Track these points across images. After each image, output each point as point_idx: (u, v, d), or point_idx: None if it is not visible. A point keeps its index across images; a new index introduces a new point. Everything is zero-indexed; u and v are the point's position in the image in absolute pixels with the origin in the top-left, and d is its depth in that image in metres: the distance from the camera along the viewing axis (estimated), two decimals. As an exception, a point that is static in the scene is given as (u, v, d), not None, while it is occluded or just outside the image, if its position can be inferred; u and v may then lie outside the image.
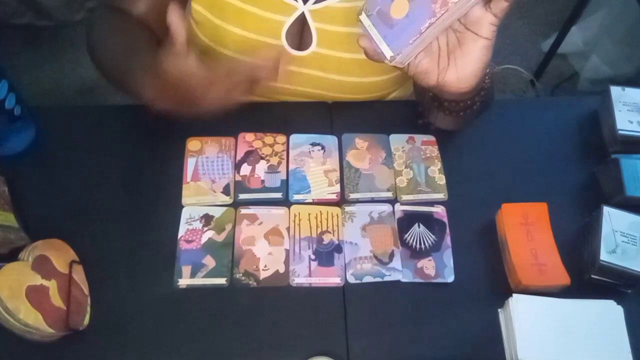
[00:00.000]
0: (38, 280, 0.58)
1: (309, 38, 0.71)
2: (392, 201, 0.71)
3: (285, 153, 0.74)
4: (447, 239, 0.69)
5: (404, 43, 0.53)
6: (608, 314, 0.60)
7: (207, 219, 0.68)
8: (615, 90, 0.77)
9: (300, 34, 0.71)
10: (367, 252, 0.67)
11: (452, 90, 0.57)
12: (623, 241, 0.64)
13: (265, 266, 0.65)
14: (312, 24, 0.70)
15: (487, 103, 0.69)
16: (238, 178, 0.72)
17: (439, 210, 0.71)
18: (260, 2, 0.69)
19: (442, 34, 0.55)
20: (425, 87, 0.59)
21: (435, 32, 0.53)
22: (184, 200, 0.69)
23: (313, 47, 0.71)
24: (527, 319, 0.59)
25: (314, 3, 0.69)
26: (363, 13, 0.56)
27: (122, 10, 0.73)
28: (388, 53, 0.54)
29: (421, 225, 0.69)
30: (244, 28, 0.70)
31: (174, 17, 0.52)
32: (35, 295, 0.56)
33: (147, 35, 0.71)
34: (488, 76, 0.64)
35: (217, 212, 0.69)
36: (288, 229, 0.68)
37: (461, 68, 0.55)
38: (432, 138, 0.76)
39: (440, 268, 0.66)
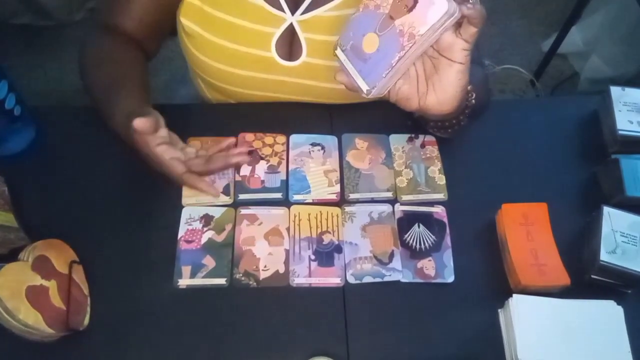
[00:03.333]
0: (38, 280, 0.58)
1: (299, 48, 0.71)
2: (392, 201, 0.71)
3: (285, 153, 0.74)
4: (447, 239, 0.68)
5: (377, 77, 0.54)
6: (608, 314, 0.60)
7: (207, 219, 0.68)
8: (615, 90, 0.77)
9: (289, 44, 0.71)
10: (367, 253, 0.67)
11: (435, 113, 0.58)
12: (623, 241, 0.64)
13: (265, 266, 0.65)
14: (301, 34, 0.70)
15: (476, 115, 0.70)
16: (238, 178, 0.72)
17: (439, 211, 0.71)
18: (249, 14, 0.69)
19: (419, 60, 0.56)
20: (409, 111, 0.60)
21: (407, 64, 0.54)
22: (184, 201, 0.69)
23: (303, 57, 0.71)
24: (527, 319, 0.59)
25: (302, 13, 0.69)
26: (338, 48, 0.57)
27: (113, 28, 0.73)
28: (364, 87, 0.55)
29: (421, 225, 0.69)
30: (234, 41, 0.70)
31: (138, 123, 0.55)
32: (35, 296, 0.56)
33: (134, 66, 0.72)
34: (472, 94, 0.65)
35: (217, 213, 0.69)
36: (288, 229, 0.68)
37: (440, 92, 0.56)
38: (432, 138, 0.76)
39: (440, 268, 0.66)
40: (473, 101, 0.66)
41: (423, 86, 0.57)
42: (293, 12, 0.69)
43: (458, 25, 0.52)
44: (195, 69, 0.77)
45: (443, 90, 0.55)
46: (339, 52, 0.57)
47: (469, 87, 0.61)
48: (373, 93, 0.55)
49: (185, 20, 0.71)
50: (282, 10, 0.69)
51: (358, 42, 0.55)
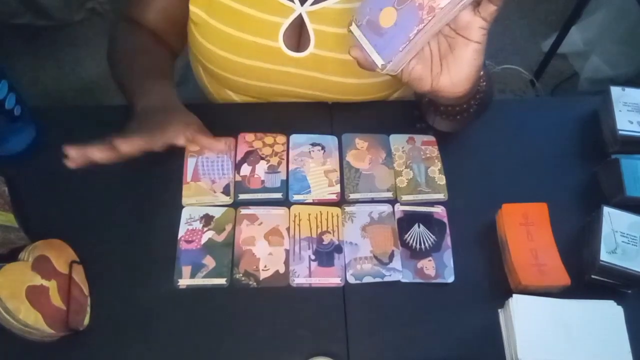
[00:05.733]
0: (38, 280, 0.58)
1: (307, 39, 0.71)
2: (392, 201, 0.71)
3: (285, 153, 0.74)
4: (447, 239, 0.68)
5: (394, 51, 0.53)
6: (608, 314, 0.60)
7: (207, 219, 0.68)
8: (615, 90, 0.77)
9: (297, 35, 0.71)
10: (367, 253, 0.67)
11: (447, 95, 0.57)
12: (623, 241, 0.64)
13: (265, 266, 0.65)
14: (310, 26, 0.70)
15: (484, 105, 0.69)
16: (238, 178, 0.72)
17: (439, 211, 0.71)
18: (258, 3, 0.69)
19: (434, 39, 0.55)
20: (421, 93, 0.59)
21: (424, 39, 0.53)
22: (184, 201, 0.69)
23: (311, 49, 0.71)
24: (527, 319, 0.59)
25: (312, 4, 0.69)
26: (353, 24, 0.56)
27: (137, 22, 0.74)
28: (379, 61, 0.54)
29: (421, 225, 0.69)
30: (242, 30, 0.70)
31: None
32: (35, 296, 0.56)
33: (165, 60, 0.74)
34: (483, 79, 0.64)
35: (217, 212, 0.69)
36: (288, 229, 0.68)
37: (454, 73, 0.55)
38: (432, 138, 0.76)
39: (440, 268, 0.66)
40: (485, 86, 0.65)
41: (437, 66, 0.56)
42: (302, 3, 0.69)
43: (477, 3, 0.51)
44: (200, 58, 0.76)
45: (457, 70, 0.55)
46: (353, 27, 0.56)
47: (481, 72, 0.60)
48: (388, 68, 0.54)
49: (193, 8, 0.71)
50: (292, 0, 0.69)
51: (375, 16, 0.54)
